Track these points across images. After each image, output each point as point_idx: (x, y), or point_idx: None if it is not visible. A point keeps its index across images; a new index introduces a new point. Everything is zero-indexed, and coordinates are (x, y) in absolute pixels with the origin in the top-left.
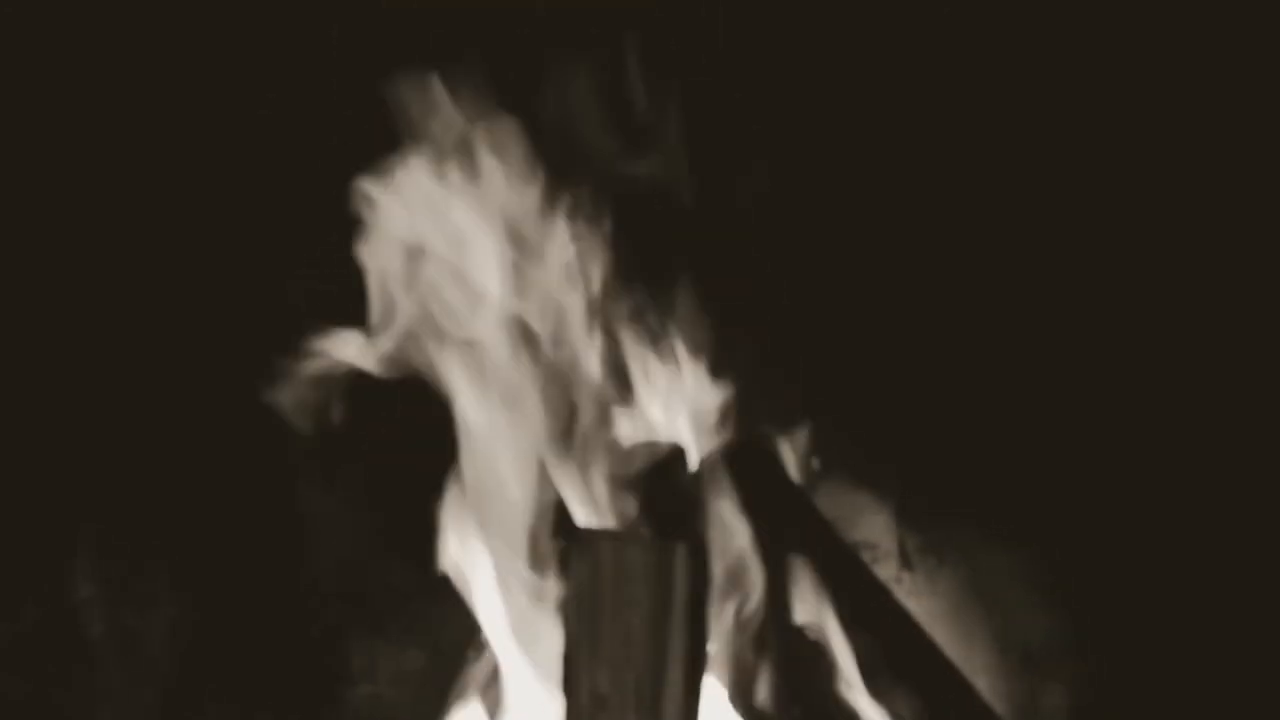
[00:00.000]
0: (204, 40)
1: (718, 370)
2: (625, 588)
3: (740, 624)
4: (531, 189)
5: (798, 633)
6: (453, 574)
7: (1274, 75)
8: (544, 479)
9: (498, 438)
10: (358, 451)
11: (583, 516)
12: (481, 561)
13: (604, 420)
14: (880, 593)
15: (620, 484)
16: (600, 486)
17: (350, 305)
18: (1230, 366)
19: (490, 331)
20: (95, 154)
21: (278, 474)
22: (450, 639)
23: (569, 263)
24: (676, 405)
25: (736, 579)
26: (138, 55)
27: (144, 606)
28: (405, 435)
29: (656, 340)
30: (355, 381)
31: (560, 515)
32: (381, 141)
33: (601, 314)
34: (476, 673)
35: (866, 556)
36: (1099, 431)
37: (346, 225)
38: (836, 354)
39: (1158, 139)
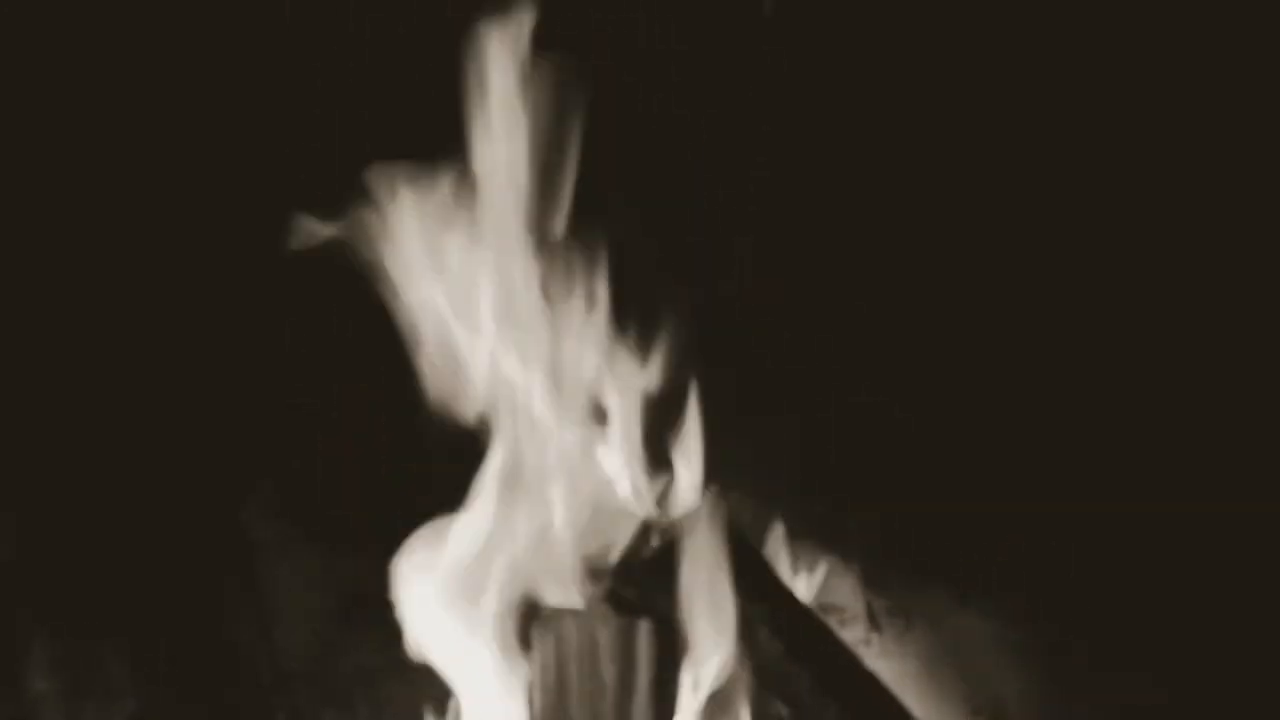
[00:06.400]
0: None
1: (680, 439)
2: (590, 666)
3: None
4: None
5: (768, 704)
6: (419, 654)
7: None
8: (509, 558)
9: (462, 511)
10: (320, 529)
11: (546, 595)
12: (448, 641)
13: (567, 495)
14: (848, 656)
15: (583, 560)
16: (564, 564)
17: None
18: (1202, 419)
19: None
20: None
21: (238, 555)
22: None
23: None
24: (638, 477)
25: (704, 654)
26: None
27: (104, 699)
28: (370, 512)
29: (618, 410)
30: (317, 456)
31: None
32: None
33: (565, 388)
34: None
35: (834, 620)
36: (1065, 491)
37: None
38: (800, 416)
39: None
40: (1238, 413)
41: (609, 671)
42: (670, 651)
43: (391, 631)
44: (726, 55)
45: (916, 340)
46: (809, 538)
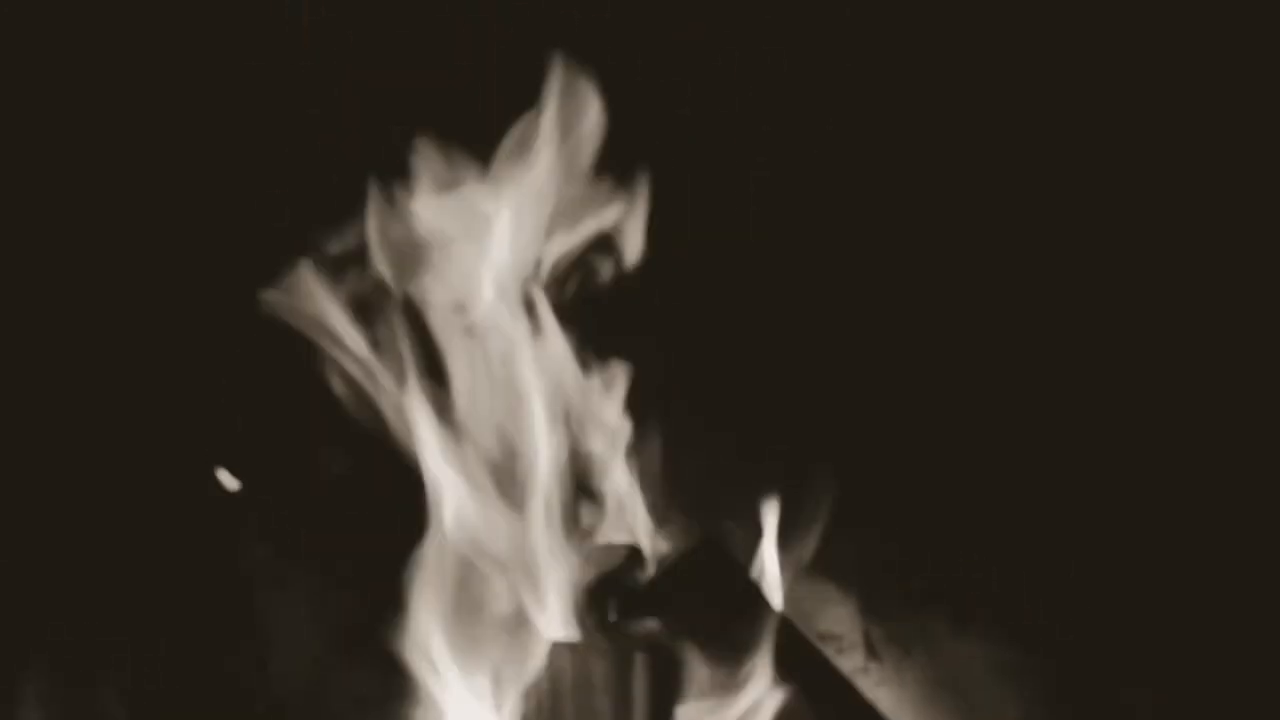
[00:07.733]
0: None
1: (674, 466)
2: (586, 697)
3: None
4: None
5: None
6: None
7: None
8: (505, 586)
9: (460, 543)
10: (315, 557)
11: (542, 625)
12: (443, 672)
13: (564, 525)
14: (844, 686)
15: (579, 590)
16: (560, 593)
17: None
18: (1202, 419)
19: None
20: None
21: (235, 584)
22: None
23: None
24: (634, 506)
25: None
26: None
27: None
28: (366, 542)
29: (614, 441)
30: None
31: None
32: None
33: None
34: None
35: (831, 648)
36: (1061, 521)
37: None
38: (797, 445)
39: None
40: (1238, 412)
41: (604, 704)
42: (667, 684)
43: (387, 661)
44: (726, 55)
45: (916, 340)
46: (804, 556)
